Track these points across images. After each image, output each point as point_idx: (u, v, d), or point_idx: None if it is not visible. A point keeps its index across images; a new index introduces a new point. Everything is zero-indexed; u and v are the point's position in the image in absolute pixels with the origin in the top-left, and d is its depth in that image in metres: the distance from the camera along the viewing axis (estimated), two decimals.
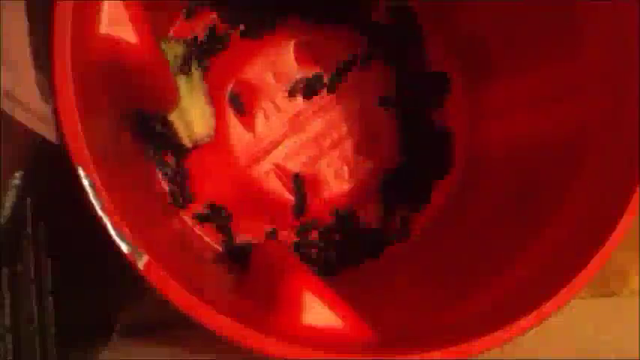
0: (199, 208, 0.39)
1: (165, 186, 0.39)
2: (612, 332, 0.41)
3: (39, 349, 0.28)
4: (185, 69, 0.37)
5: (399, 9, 0.41)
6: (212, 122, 0.38)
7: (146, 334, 0.38)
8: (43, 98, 0.26)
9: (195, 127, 0.37)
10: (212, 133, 0.38)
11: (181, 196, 0.39)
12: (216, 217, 0.39)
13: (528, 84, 0.37)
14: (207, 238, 0.39)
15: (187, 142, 0.38)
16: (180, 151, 0.38)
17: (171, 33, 0.40)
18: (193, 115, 0.37)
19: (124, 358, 0.36)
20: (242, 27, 0.40)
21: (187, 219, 0.39)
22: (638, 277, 0.42)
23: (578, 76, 0.33)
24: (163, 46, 0.38)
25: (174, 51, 0.38)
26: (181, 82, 0.37)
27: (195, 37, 0.40)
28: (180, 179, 0.39)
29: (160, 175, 0.39)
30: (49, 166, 0.27)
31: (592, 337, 0.41)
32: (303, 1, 0.40)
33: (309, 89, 0.40)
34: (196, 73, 0.38)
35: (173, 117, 0.37)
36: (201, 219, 0.39)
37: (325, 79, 0.41)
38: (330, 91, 0.41)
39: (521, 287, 0.29)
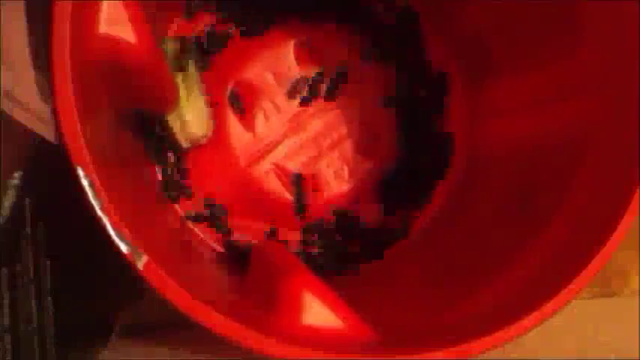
0: (199, 208, 0.39)
1: (165, 186, 0.39)
2: (613, 332, 0.41)
3: (38, 349, 0.28)
4: (181, 67, 0.37)
5: (399, 9, 0.41)
6: (209, 122, 0.38)
7: (146, 334, 0.38)
8: (42, 98, 0.26)
9: (192, 127, 0.37)
10: (208, 133, 0.38)
11: (181, 196, 0.39)
12: (214, 216, 0.39)
13: (529, 84, 0.37)
14: (206, 238, 0.39)
15: (184, 142, 0.38)
16: (178, 151, 0.38)
17: (168, 32, 0.40)
18: (190, 115, 0.37)
19: (123, 359, 0.36)
20: (242, 27, 0.40)
21: (187, 219, 0.39)
22: (638, 277, 0.42)
23: (579, 75, 0.33)
24: (162, 44, 0.38)
25: (170, 49, 0.38)
26: (179, 81, 0.37)
27: (195, 37, 0.40)
28: (179, 179, 0.39)
29: (159, 175, 0.39)
30: (48, 167, 0.27)
31: (592, 337, 0.41)
32: (303, 1, 0.40)
33: (312, 91, 0.40)
34: (193, 73, 0.38)
35: (170, 117, 0.36)
36: (200, 219, 0.39)
37: (324, 83, 0.40)
38: (329, 98, 0.40)
39: (521, 287, 0.29)
